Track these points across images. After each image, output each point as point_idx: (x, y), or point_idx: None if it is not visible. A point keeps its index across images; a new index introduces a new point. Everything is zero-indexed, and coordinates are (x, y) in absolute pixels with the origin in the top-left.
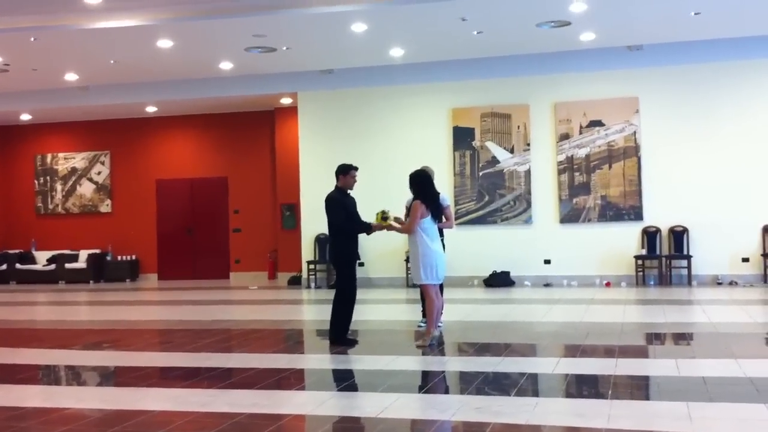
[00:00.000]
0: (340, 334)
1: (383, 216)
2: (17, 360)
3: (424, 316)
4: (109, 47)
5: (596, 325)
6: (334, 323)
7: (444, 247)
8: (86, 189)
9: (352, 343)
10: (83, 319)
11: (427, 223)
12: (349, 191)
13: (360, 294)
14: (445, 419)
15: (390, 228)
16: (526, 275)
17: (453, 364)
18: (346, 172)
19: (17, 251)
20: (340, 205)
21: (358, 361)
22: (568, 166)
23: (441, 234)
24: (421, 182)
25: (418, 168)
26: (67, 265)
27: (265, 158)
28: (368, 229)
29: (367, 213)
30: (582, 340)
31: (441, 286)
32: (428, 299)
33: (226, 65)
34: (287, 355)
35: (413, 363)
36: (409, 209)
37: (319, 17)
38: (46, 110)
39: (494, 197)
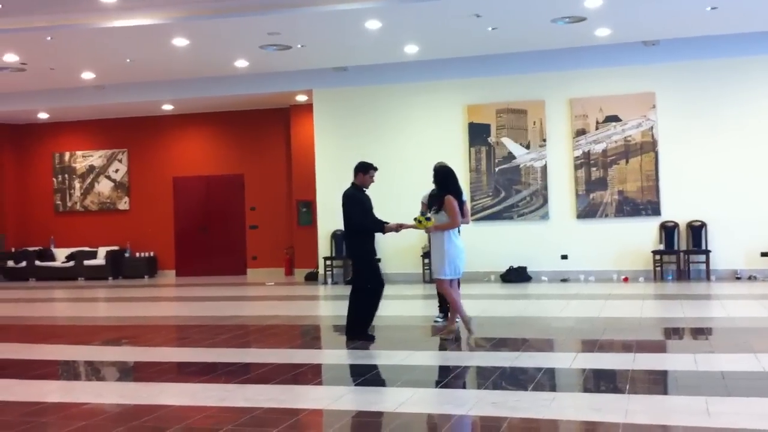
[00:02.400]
0: (360, 329)
1: (427, 217)
2: (37, 356)
3: (440, 311)
4: (124, 46)
5: (614, 320)
6: (352, 319)
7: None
8: (104, 187)
9: (371, 338)
10: (102, 315)
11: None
12: (365, 190)
13: None
14: (462, 414)
15: (432, 230)
16: (543, 270)
17: (470, 359)
18: (366, 170)
19: (36, 248)
20: (358, 203)
21: (375, 357)
22: (584, 162)
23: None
24: (451, 176)
25: (441, 162)
26: (86, 262)
27: (280, 155)
28: (382, 228)
29: (381, 209)
30: (599, 335)
31: (458, 281)
32: (447, 292)
33: (241, 63)
34: (304, 351)
35: (430, 358)
36: (426, 204)
37: (333, 15)
38: (63, 109)
39: (510, 193)
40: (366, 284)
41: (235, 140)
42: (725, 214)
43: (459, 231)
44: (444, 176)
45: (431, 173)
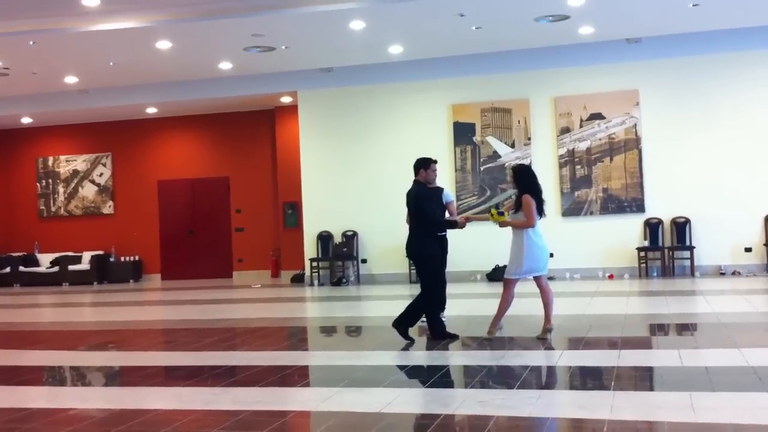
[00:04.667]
0: (407, 326)
1: (499, 212)
2: (21, 362)
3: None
4: (108, 49)
5: (599, 317)
6: (408, 314)
7: (447, 243)
8: (88, 191)
9: (412, 340)
10: (87, 320)
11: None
12: (429, 185)
13: (363, 290)
14: (449, 413)
15: (506, 224)
16: None
17: (456, 358)
18: (427, 165)
19: (20, 254)
20: (428, 198)
21: (362, 357)
22: (569, 160)
23: (444, 231)
24: (531, 176)
25: (522, 163)
26: (71, 267)
27: (266, 157)
28: (456, 223)
29: (368, 208)
30: (585, 333)
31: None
32: (506, 293)
33: (225, 65)
34: (291, 353)
35: (416, 358)
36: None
37: (317, 16)
38: (46, 113)
39: (496, 192)
40: (434, 284)
41: (220, 143)
42: (709, 210)
43: (444, 231)
44: (525, 175)
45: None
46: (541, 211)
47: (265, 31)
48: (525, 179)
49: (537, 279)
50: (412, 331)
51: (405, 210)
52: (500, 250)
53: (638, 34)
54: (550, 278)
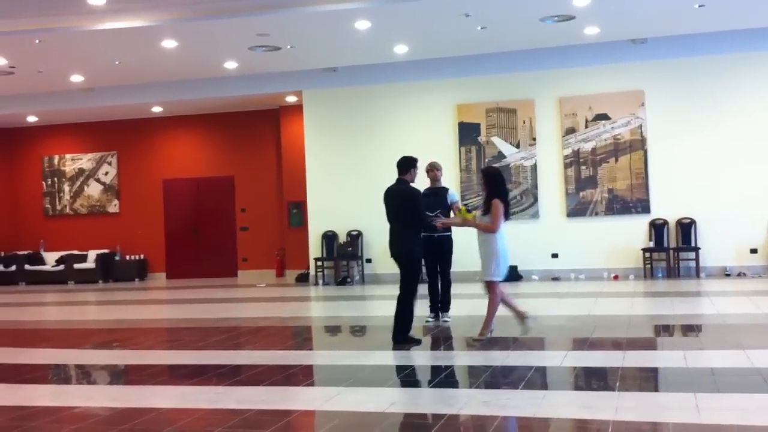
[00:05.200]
0: (407, 333)
1: (468, 209)
2: (26, 360)
3: (431, 311)
4: (113, 48)
5: (604, 318)
6: (401, 323)
7: (451, 244)
8: (94, 190)
9: (418, 341)
10: (92, 318)
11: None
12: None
13: (367, 290)
14: (453, 413)
15: (470, 224)
16: (533, 269)
17: (461, 358)
18: (414, 165)
19: (26, 252)
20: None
21: (366, 357)
22: (574, 160)
23: (449, 230)
24: (501, 180)
25: (493, 165)
26: (76, 266)
27: (271, 156)
28: (433, 225)
29: (371, 209)
30: (590, 333)
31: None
32: (494, 296)
33: (230, 65)
34: (295, 352)
35: (421, 358)
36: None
37: (322, 15)
38: (52, 112)
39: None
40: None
41: (225, 142)
42: (715, 211)
43: (449, 231)
44: (495, 179)
45: (423, 173)
46: (507, 215)
47: (270, 31)
48: (496, 183)
49: (489, 284)
50: (416, 331)
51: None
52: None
53: (644, 34)
54: (555, 279)
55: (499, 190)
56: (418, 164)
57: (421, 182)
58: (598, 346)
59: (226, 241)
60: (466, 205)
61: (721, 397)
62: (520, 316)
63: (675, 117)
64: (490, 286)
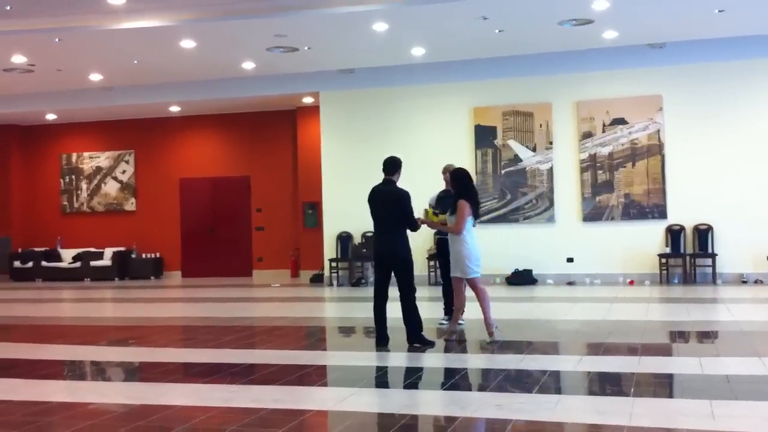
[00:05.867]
0: (420, 333)
1: (434, 212)
2: (42, 356)
3: (446, 313)
4: (132, 48)
5: (619, 323)
6: (413, 324)
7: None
8: (111, 188)
9: (432, 344)
10: (108, 315)
11: (469, 222)
12: None
13: None
14: (466, 416)
15: (436, 225)
16: (548, 273)
17: (474, 361)
18: (401, 166)
19: (43, 249)
20: (410, 200)
21: (380, 358)
22: (590, 164)
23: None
24: (469, 180)
25: (459, 166)
26: (92, 263)
27: (287, 157)
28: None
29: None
30: (605, 338)
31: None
32: (479, 291)
33: (248, 65)
34: (309, 352)
35: (435, 360)
36: (432, 206)
37: (340, 17)
38: (70, 110)
39: (516, 195)
40: (413, 286)
41: (242, 142)
42: (732, 217)
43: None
44: (462, 180)
45: (439, 175)
46: (476, 215)
47: (288, 32)
48: (464, 183)
49: (470, 281)
50: (430, 334)
51: (420, 211)
52: (520, 253)
53: (662, 39)
54: (570, 283)
55: (467, 191)
56: (440, 168)
57: (436, 184)
58: (613, 351)
59: (241, 241)
60: (433, 207)
61: (737, 405)
62: (454, 325)
63: (693, 122)
64: (472, 283)
